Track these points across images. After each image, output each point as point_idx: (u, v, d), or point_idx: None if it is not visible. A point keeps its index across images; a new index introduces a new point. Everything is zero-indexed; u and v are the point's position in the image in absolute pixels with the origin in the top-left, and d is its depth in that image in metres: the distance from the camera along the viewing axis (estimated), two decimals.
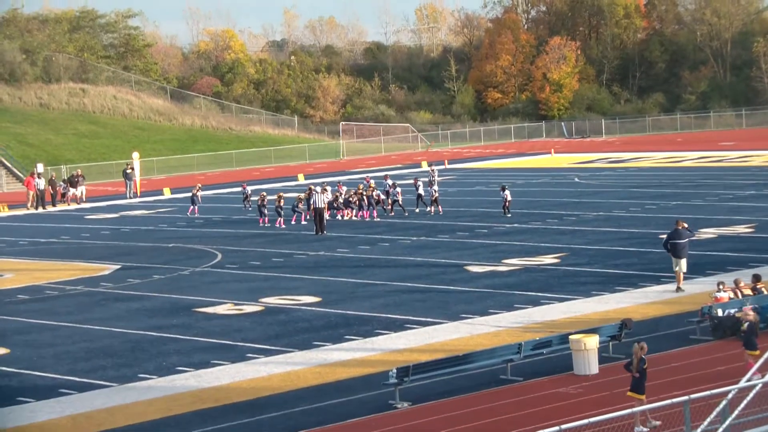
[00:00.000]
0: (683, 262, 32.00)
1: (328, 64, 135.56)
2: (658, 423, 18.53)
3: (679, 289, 31.83)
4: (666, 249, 32.71)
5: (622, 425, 16.14)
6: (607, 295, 31.84)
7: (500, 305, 31.17)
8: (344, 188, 55.74)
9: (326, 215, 49.71)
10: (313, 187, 51.83)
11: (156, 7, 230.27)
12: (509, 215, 49.85)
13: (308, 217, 50.92)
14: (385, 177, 56.94)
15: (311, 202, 49.67)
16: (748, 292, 27.96)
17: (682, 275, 31.98)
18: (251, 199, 57.61)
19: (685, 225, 33.50)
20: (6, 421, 22.95)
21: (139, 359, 27.37)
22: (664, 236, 40.95)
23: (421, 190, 53.88)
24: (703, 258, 35.69)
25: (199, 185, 61.39)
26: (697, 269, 33.42)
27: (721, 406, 15.82)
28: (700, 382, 19.78)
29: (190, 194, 59.50)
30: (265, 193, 53.86)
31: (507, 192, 50.67)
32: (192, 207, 57.87)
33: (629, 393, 19.92)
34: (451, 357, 24.38)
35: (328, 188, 53.95)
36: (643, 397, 19.26)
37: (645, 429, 18.60)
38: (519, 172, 76.35)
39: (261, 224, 51.66)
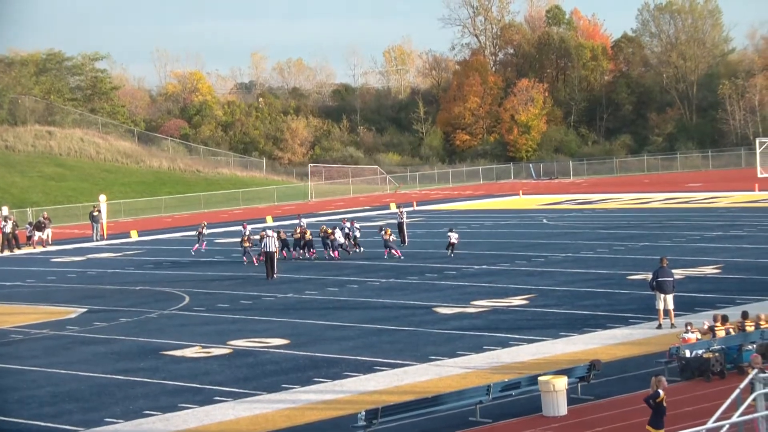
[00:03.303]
0: (670, 299, 32.13)
1: (296, 106, 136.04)
2: None
3: (660, 326, 31.94)
4: (651, 287, 32.77)
5: None
6: (575, 336, 31.90)
7: (469, 347, 31.19)
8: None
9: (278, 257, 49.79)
10: (264, 233, 51.36)
11: (123, 50, 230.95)
12: (452, 255, 50.62)
13: (261, 260, 50.96)
14: (344, 220, 57.07)
15: (262, 245, 49.44)
16: (720, 333, 28.07)
17: (662, 312, 32.11)
18: (252, 238, 56.10)
19: (668, 262, 33.70)
20: None
21: (105, 403, 27.21)
22: (636, 277, 41.28)
23: (341, 239, 53.99)
24: None
25: (204, 223, 62.25)
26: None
27: None
28: (668, 422, 19.82)
29: (195, 232, 60.04)
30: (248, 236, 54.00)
31: (452, 233, 51.64)
32: (197, 245, 58.17)
33: (647, 427, 19.88)
34: (420, 399, 24.37)
35: (281, 231, 53.99)
36: (660, 431, 19.02)
37: None
38: (487, 213, 76.56)
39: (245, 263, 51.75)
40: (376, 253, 53.32)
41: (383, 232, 53.37)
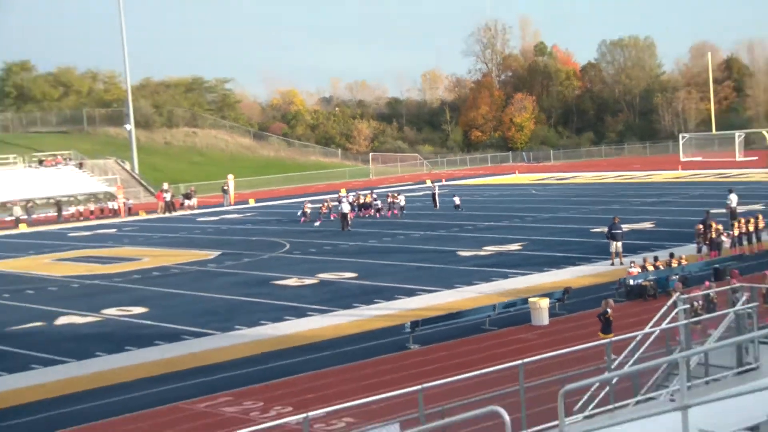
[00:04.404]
0: (620, 245, 32.42)
1: (361, 113, 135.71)
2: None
3: (613, 263, 32.00)
4: (607, 236, 33.00)
5: (570, 359, 16.25)
6: (555, 271, 31.98)
7: (481, 278, 31.35)
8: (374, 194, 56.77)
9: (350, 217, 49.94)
10: (339, 196, 52.66)
11: (243, 74, 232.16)
12: (461, 210, 53.03)
13: (332, 218, 51.64)
14: (360, 193, 57.08)
15: (339, 209, 49.96)
16: (651, 268, 28.09)
17: (614, 254, 32.33)
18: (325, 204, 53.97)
19: (619, 219, 33.97)
20: (154, 356, 23.22)
21: (234, 316, 27.66)
22: (597, 230, 41.17)
23: (402, 202, 54.39)
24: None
25: (343, 190, 59.01)
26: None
27: (632, 345, 15.94)
28: (617, 330, 19.90)
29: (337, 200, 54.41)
30: (327, 203, 54.51)
31: (456, 198, 55.05)
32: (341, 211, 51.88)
33: (599, 333, 19.97)
34: (448, 314, 24.60)
35: (350, 196, 54.39)
36: (609, 335, 19.08)
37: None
38: (493, 187, 76.42)
39: (318, 224, 51.42)
40: (413, 215, 53.35)
41: (390, 197, 54.67)
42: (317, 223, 51.43)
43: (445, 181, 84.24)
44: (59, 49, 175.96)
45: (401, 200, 54.46)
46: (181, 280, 35.25)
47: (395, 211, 53.88)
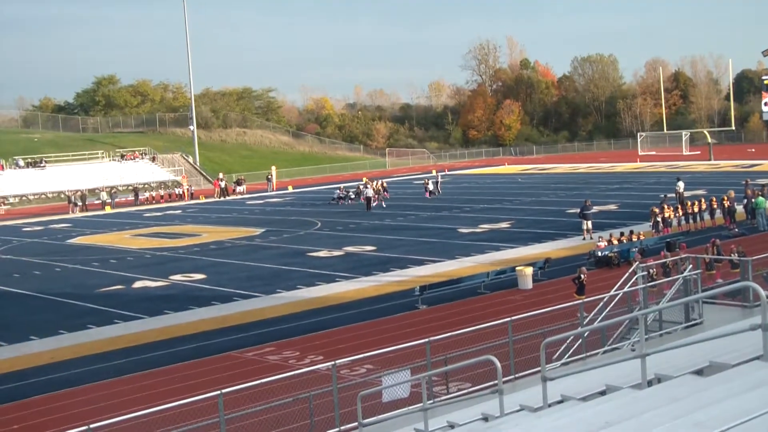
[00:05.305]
0: (590, 223, 32.14)
1: (379, 116, 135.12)
2: None
3: (584, 238, 31.77)
4: (579, 216, 32.82)
5: (550, 317, 16.10)
6: (537, 245, 31.77)
7: (477, 250, 31.18)
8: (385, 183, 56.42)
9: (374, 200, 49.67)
10: (363, 182, 52.56)
11: (283, 85, 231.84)
12: (439, 194, 52.22)
13: (361, 201, 51.00)
14: (369, 181, 55.33)
15: (364, 193, 49.74)
16: (615, 241, 27.84)
17: (585, 231, 32.08)
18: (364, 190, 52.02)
19: (590, 202, 33.80)
20: (211, 314, 23.24)
21: (275, 281, 27.61)
22: (571, 211, 40.87)
23: (431, 187, 54.17)
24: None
25: (365, 179, 56.38)
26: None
27: (600, 305, 15.78)
28: (589, 292, 19.72)
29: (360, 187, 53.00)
30: (342, 187, 54.26)
31: (431, 183, 53.42)
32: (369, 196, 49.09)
33: (574, 294, 19.84)
34: (450, 279, 24.46)
35: (372, 182, 53.93)
36: (581, 297, 18.98)
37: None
38: (487, 176, 76.05)
39: (374, 203, 49.01)
40: (421, 198, 53.03)
41: (380, 184, 53.95)
42: (360, 201, 50.74)
43: (447, 171, 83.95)
44: (138, 65, 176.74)
45: (430, 185, 54.52)
46: (232, 252, 35.19)
47: (427, 194, 53.75)
